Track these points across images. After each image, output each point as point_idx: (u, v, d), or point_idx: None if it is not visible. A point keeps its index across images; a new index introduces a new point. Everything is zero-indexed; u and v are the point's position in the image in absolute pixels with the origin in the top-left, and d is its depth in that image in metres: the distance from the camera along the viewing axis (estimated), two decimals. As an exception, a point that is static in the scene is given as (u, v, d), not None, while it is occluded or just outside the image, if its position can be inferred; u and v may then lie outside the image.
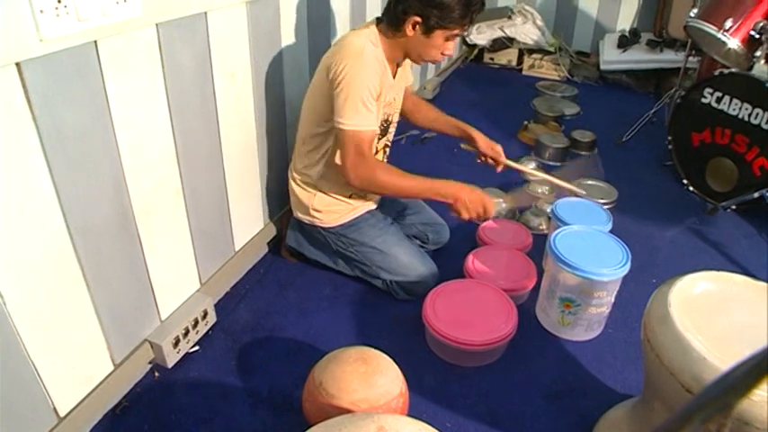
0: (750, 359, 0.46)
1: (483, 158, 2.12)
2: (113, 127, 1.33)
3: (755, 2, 2.62)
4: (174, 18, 1.44)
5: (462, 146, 2.12)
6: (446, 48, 1.75)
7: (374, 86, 1.68)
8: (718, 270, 1.34)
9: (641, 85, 4.49)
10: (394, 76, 1.86)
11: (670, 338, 1.16)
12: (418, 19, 1.67)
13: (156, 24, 1.39)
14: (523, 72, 4.84)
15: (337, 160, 1.83)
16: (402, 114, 2.18)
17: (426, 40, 1.71)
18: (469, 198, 1.79)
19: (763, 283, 1.31)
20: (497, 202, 2.44)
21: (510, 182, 2.68)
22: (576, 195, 2.20)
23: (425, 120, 2.19)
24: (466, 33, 1.75)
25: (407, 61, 1.99)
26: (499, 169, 2.11)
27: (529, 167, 2.28)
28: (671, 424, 0.49)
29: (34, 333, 1.24)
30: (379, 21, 1.79)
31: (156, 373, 1.65)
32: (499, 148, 2.09)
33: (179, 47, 1.49)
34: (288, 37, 2.04)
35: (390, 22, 1.73)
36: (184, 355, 1.70)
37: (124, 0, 1.26)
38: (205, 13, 1.56)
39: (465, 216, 1.80)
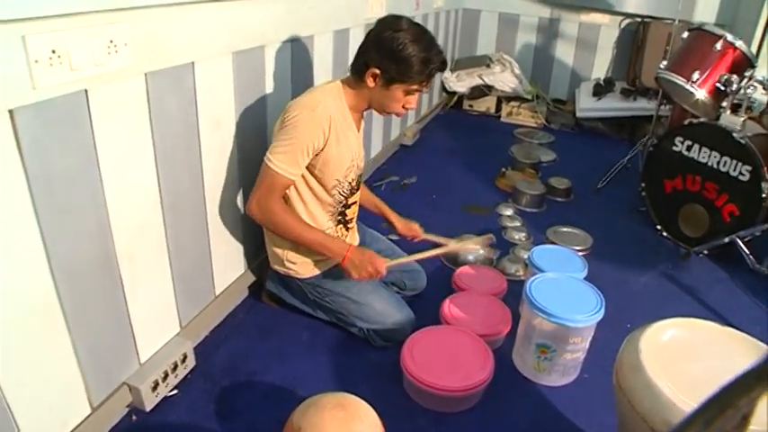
0: (757, 361, 0.48)
1: (403, 236, 2.24)
2: (100, 172, 1.36)
3: (719, 56, 2.75)
4: (162, 68, 1.49)
5: (383, 225, 2.25)
6: (407, 102, 1.81)
7: (315, 142, 1.72)
8: (691, 315, 1.38)
9: (616, 132, 4.62)
10: (359, 128, 1.92)
11: (641, 385, 1.20)
12: (377, 71, 1.73)
13: (145, 74, 1.44)
14: (502, 119, 4.97)
15: (296, 203, 1.88)
16: None
17: (386, 92, 1.77)
18: (358, 258, 1.84)
19: (727, 329, 1.36)
20: (475, 249, 2.49)
21: (488, 229, 2.73)
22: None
23: None
24: (426, 91, 1.82)
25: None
26: (416, 241, 2.23)
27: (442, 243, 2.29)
28: (678, 426, 0.49)
29: (11, 375, 1.23)
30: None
31: (134, 417, 1.64)
32: (415, 227, 2.22)
33: (166, 95, 1.54)
34: (272, 84, 2.09)
35: (354, 72, 1.81)
36: (163, 399, 1.69)
37: (116, 51, 1.30)
38: (192, 63, 1.61)
39: (355, 276, 1.85)
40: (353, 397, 1.43)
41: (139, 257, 1.57)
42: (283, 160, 1.71)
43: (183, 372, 1.77)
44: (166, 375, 1.68)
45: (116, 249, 1.47)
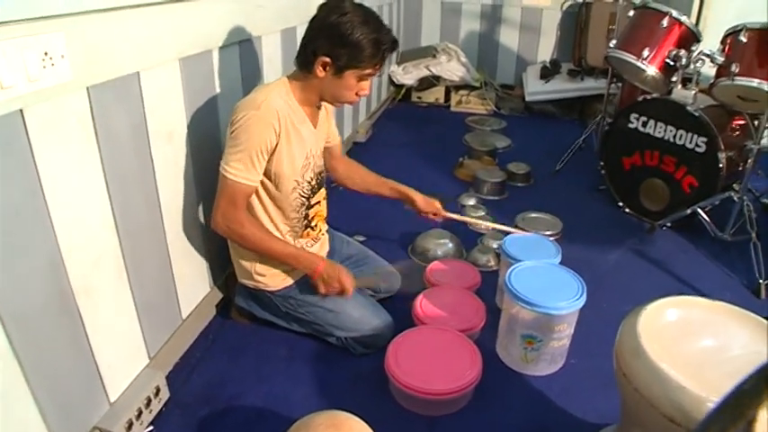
0: (761, 367, 0.47)
1: (424, 214, 2.21)
2: (46, 201, 1.23)
3: (666, 32, 2.78)
4: (105, 80, 1.36)
5: (405, 207, 2.22)
6: (360, 88, 1.73)
7: (267, 141, 1.64)
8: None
9: (566, 113, 4.67)
10: (315, 124, 1.83)
11: (645, 370, 1.15)
12: (327, 60, 1.64)
13: (87, 88, 1.31)
14: (452, 108, 4.96)
15: (258, 212, 1.80)
16: (336, 181, 2.19)
17: (338, 81, 1.68)
18: (327, 273, 1.78)
19: (719, 303, 1.34)
20: (443, 243, 2.45)
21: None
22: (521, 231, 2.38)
23: (363, 184, 2.21)
24: (380, 74, 1.75)
25: (332, 119, 1.97)
26: (439, 221, 2.26)
27: (470, 217, 2.49)
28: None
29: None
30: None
31: (108, 461, 1.52)
32: (437, 204, 2.20)
33: (112, 110, 1.41)
34: (222, 89, 1.98)
35: (301, 64, 1.71)
36: (138, 438, 1.58)
37: (51, 64, 1.18)
38: (138, 72, 1.49)
39: (322, 290, 1.80)
40: (345, 414, 1.35)
41: (98, 290, 1.44)
42: (239, 168, 1.61)
43: (157, 406, 1.64)
44: (140, 413, 1.56)
45: (71, 285, 1.34)
